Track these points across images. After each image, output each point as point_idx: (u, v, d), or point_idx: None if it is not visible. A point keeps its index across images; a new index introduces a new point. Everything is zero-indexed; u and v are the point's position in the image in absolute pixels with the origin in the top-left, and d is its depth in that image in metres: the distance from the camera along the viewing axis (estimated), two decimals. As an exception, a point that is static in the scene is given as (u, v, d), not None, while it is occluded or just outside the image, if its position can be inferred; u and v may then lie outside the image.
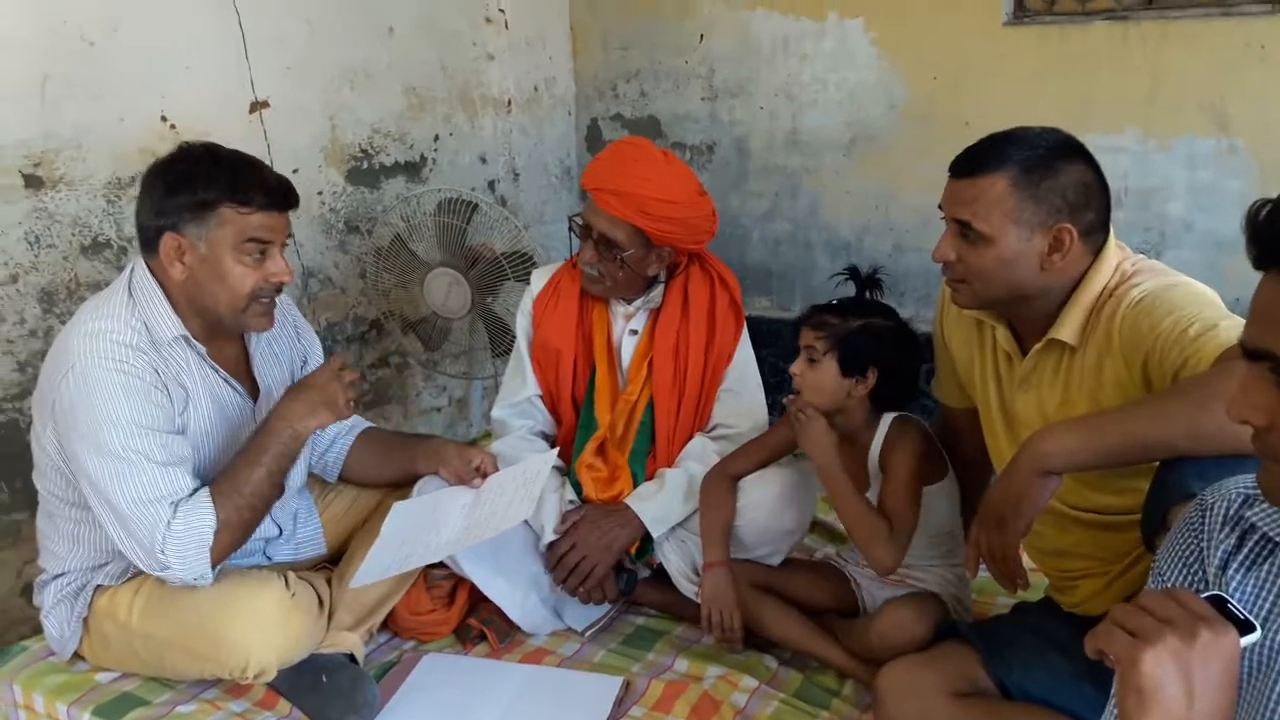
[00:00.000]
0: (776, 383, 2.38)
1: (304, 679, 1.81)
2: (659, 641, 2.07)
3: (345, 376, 1.83)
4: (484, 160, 3.27)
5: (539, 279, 2.27)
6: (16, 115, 2.14)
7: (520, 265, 2.64)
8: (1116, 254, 1.59)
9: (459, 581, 2.08)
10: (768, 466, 2.04)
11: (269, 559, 1.99)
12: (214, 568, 1.70)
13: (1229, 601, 0.91)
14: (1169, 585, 1.08)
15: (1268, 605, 0.99)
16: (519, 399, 2.23)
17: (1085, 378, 1.57)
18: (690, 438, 2.18)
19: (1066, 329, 1.56)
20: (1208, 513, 1.07)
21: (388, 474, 2.11)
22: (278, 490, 1.81)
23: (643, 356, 2.17)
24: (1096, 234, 1.56)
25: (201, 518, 1.67)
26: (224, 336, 1.86)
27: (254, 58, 2.55)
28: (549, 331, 2.20)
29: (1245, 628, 0.89)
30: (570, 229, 2.21)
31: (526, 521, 1.97)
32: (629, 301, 2.19)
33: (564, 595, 2.08)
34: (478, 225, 2.70)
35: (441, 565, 2.03)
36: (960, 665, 1.65)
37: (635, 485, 2.12)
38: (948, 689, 1.61)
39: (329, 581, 1.99)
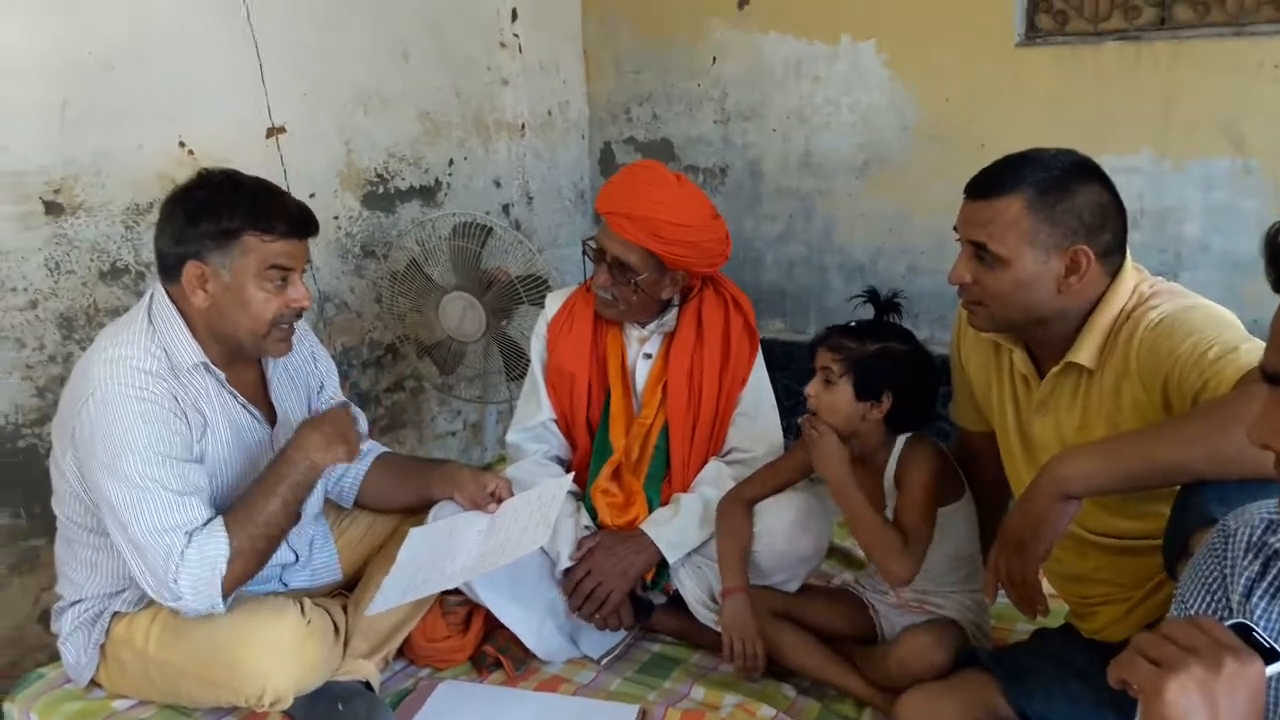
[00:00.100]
0: (791, 406, 2.37)
1: (320, 707, 1.80)
2: (675, 669, 2.05)
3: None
4: (498, 184, 3.29)
5: (553, 303, 2.27)
6: (37, 142, 2.17)
7: (535, 289, 2.65)
8: (1134, 276, 1.58)
9: (475, 608, 2.08)
10: (784, 491, 2.03)
11: (285, 585, 1.99)
12: (226, 597, 1.69)
13: (1254, 629, 0.90)
14: (1192, 612, 1.07)
15: (1293, 633, 0.98)
16: (534, 423, 2.23)
17: (1103, 401, 1.55)
18: (705, 462, 2.17)
19: (1084, 352, 1.56)
20: (1231, 539, 1.06)
21: (403, 499, 2.11)
22: (292, 520, 1.80)
23: (657, 380, 2.17)
24: (1113, 256, 1.55)
25: (215, 546, 1.67)
26: (242, 362, 1.88)
27: (271, 84, 2.58)
28: (563, 355, 2.20)
29: (1271, 656, 0.88)
30: (584, 253, 2.21)
31: (542, 548, 1.97)
32: (643, 325, 2.19)
33: (580, 622, 2.07)
34: (492, 249, 2.71)
35: (457, 592, 2.02)
36: (980, 693, 1.63)
37: (650, 510, 2.11)
38: (967, 717, 1.60)
39: (344, 608, 1.99)
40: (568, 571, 2.05)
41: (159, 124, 2.37)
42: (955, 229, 1.62)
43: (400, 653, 2.06)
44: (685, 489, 2.14)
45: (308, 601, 1.84)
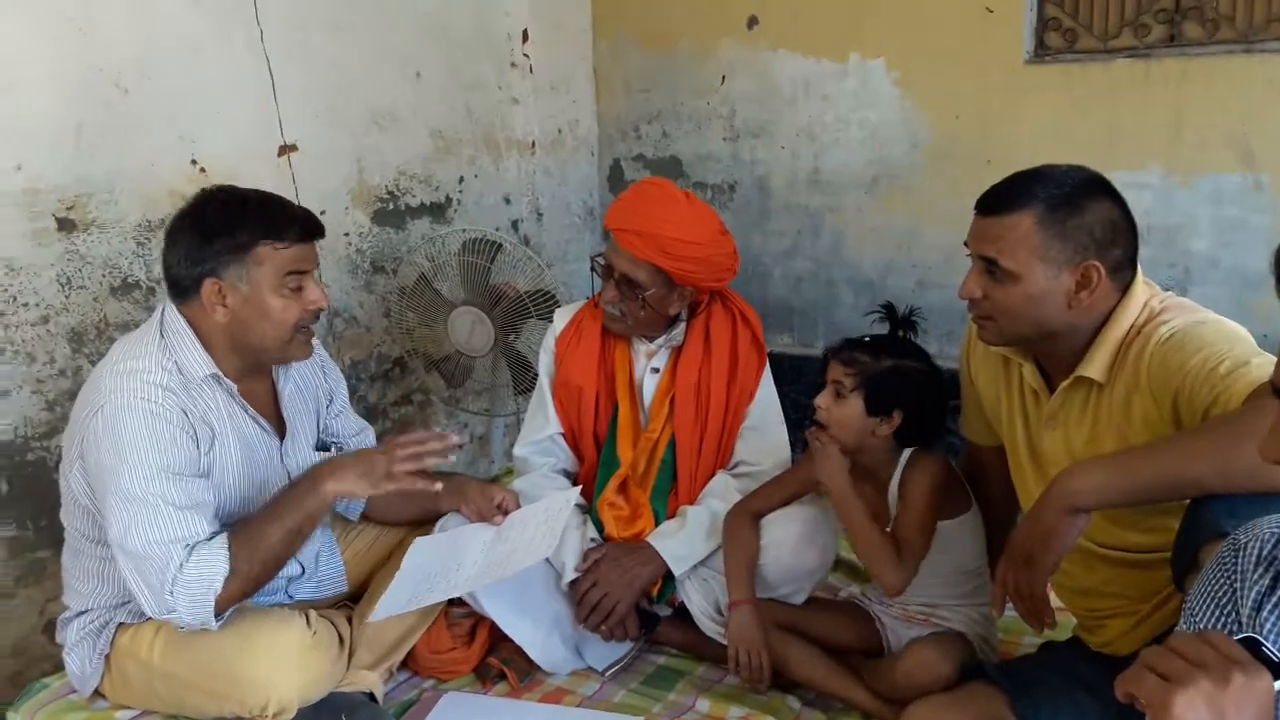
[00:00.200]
0: (799, 419, 2.36)
1: (324, 717, 1.80)
2: (680, 681, 2.05)
3: (400, 450, 1.77)
4: (508, 201, 3.31)
5: (561, 317, 2.28)
6: (51, 160, 2.19)
7: (543, 304, 2.66)
8: (1144, 291, 1.57)
9: (479, 620, 2.07)
10: (790, 504, 2.02)
11: (291, 597, 1.99)
12: (219, 616, 1.68)
13: (1263, 644, 0.89)
14: (1201, 626, 1.06)
15: (1303, 647, 0.97)
16: (541, 437, 2.23)
17: (1113, 415, 1.55)
18: (712, 475, 2.17)
19: (1094, 366, 1.55)
20: (1240, 552, 1.05)
21: (410, 512, 2.11)
22: (295, 551, 1.79)
23: (664, 394, 2.17)
24: (1124, 271, 1.55)
25: (215, 563, 1.67)
26: (255, 374, 1.89)
27: (283, 102, 2.60)
28: (571, 369, 2.20)
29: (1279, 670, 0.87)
30: (593, 269, 2.22)
31: (548, 560, 1.97)
32: (651, 339, 2.20)
33: (585, 633, 2.06)
34: (501, 265, 2.72)
35: (462, 603, 2.02)
36: (986, 706, 1.62)
37: (657, 523, 2.11)
38: (975, 731, 1.59)
39: (349, 619, 1.99)
40: (573, 584, 2.05)
41: (172, 142, 2.40)
42: (966, 244, 1.62)
43: (404, 664, 2.06)
44: (692, 502, 2.14)
45: (313, 613, 1.84)
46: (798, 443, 2.16)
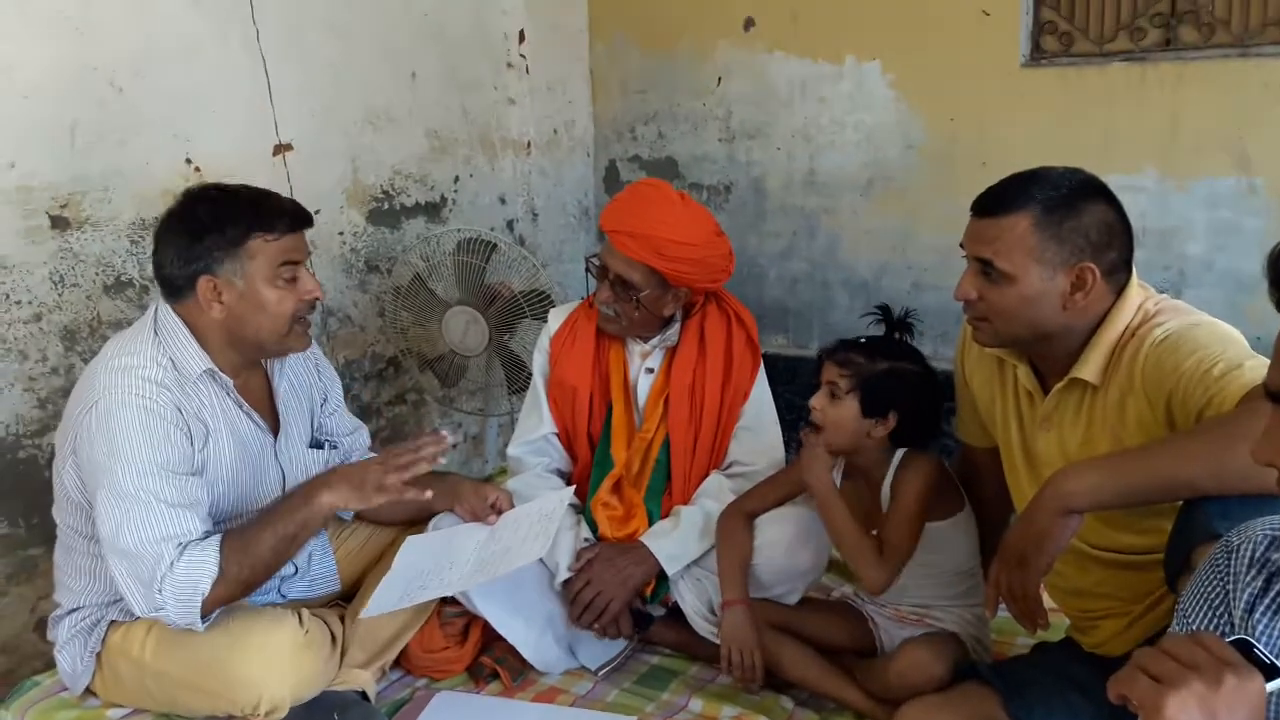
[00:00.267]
0: (793, 420, 2.36)
1: (316, 716, 1.80)
2: (673, 681, 2.05)
3: (393, 460, 1.75)
4: (503, 201, 3.30)
5: (556, 317, 2.28)
6: (46, 159, 2.18)
7: (538, 304, 2.66)
8: (1139, 293, 1.58)
9: (472, 619, 2.07)
10: (784, 505, 2.02)
11: (283, 596, 1.99)
12: (205, 617, 1.67)
13: (1255, 646, 0.90)
14: (1193, 628, 1.06)
15: (1295, 649, 0.97)
16: (535, 436, 2.23)
17: (1108, 417, 1.55)
18: (706, 475, 2.17)
19: (1089, 368, 1.56)
20: (1233, 554, 1.06)
21: (403, 512, 2.10)
22: (287, 560, 1.78)
23: (659, 395, 2.17)
24: (1119, 273, 1.56)
25: (204, 565, 1.66)
26: (251, 370, 1.89)
27: (278, 102, 2.60)
28: (566, 369, 2.20)
29: (1271, 672, 0.87)
30: (587, 269, 2.22)
31: (542, 560, 1.96)
32: (645, 340, 2.20)
33: (579, 632, 2.06)
34: (496, 264, 2.72)
35: (455, 603, 2.02)
36: (979, 706, 1.62)
37: (651, 523, 2.11)
38: (968, 731, 1.59)
39: (342, 618, 1.98)
40: (567, 583, 2.05)
41: (167, 141, 2.39)
42: (961, 246, 1.62)
43: (397, 663, 2.05)
44: (686, 502, 2.14)
45: (305, 611, 1.84)
46: (792, 443, 2.16)
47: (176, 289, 1.78)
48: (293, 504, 1.74)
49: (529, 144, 3.35)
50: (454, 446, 1.75)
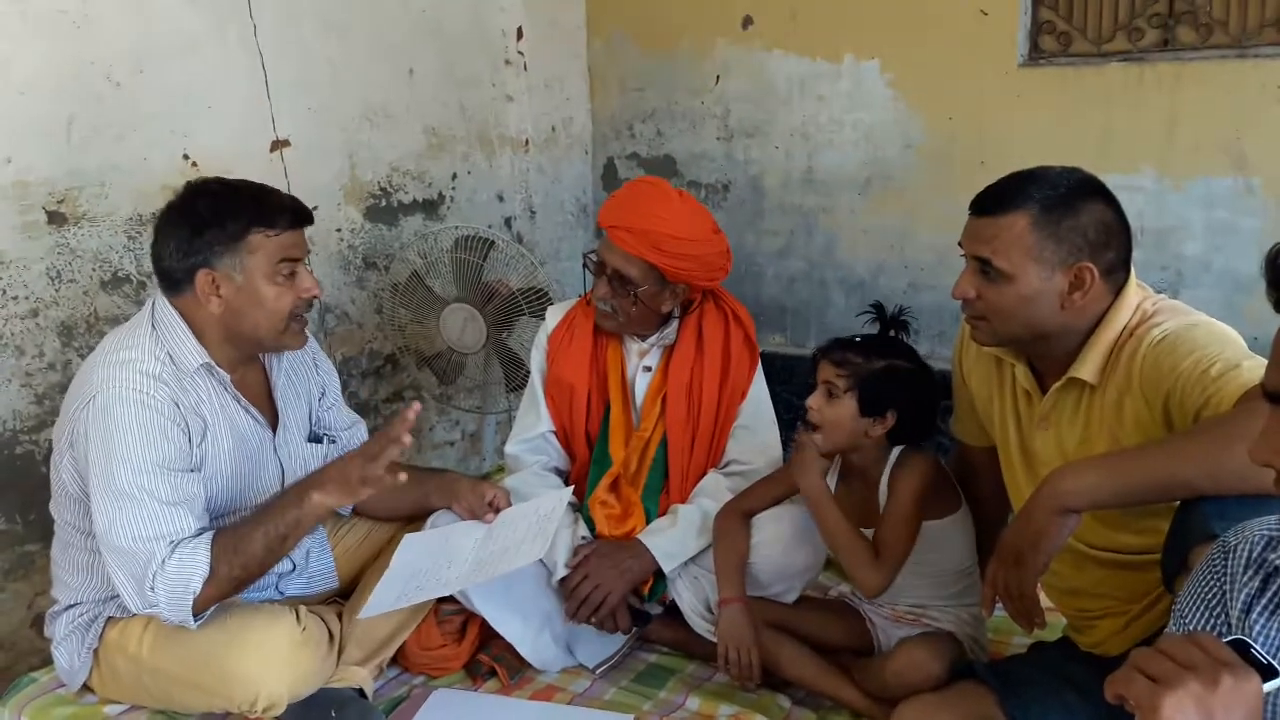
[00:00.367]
0: (791, 419, 2.37)
1: (313, 713, 1.80)
2: (671, 679, 2.05)
3: (371, 449, 1.71)
4: (501, 198, 3.30)
5: (554, 315, 2.27)
6: (43, 154, 2.18)
7: (535, 301, 2.66)
8: (1137, 293, 1.58)
9: (470, 617, 2.07)
10: (781, 503, 2.02)
11: (281, 593, 1.99)
12: (197, 616, 1.67)
13: (1252, 646, 0.90)
14: (1190, 628, 1.06)
15: (1292, 649, 0.97)
16: (533, 434, 2.23)
17: (1105, 416, 1.56)
18: (704, 474, 2.17)
19: (1087, 368, 1.56)
20: (1230, 555, 1.06)
21: (401, 508, 2.10)
22: (278, 559, 1.77)
23: (656, 393, 2.17)
24: (1117, 273, 1.56)
25: (195, 563, 1.65)
26: (248, 364, 1.89)
27: (276, 98, 2.60)
28: (563, 367, 2.20)
29: (1268, 673, 0.88)
30: (585, 265, 2.22)
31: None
32: (643, 338, 2.20)
33: (577, 630, 2.06)
34: (494, 262, 2.72)
35: (453, 600, 2.02)
36: (976, 705, 1.62)
37: (648, 522, 2.11)
38: (964, 730, 1.59)
39: (339, 615, 1.98)
40: (564, 580, 2.05)
41: (164, 137, 2.38)
42: (960, 245, 1.62)
43: (394, 660, 2.06)
44: (684, 501, 2.14)
45: (303, 609, 1.84)
46: (789, 442, 2.16)
47: (175, 282, 1.78)
48: (285, 504, 1.73)
49: (527, 141, 3.35)
50: (418, 414, 1.71)
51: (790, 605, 2.04)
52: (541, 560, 2.03)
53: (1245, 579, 1.03)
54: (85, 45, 2.22)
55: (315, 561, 2.05)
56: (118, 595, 1.81)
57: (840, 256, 3.16)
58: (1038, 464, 1.66)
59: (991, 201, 1.57)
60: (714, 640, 1.95)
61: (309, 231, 1.88)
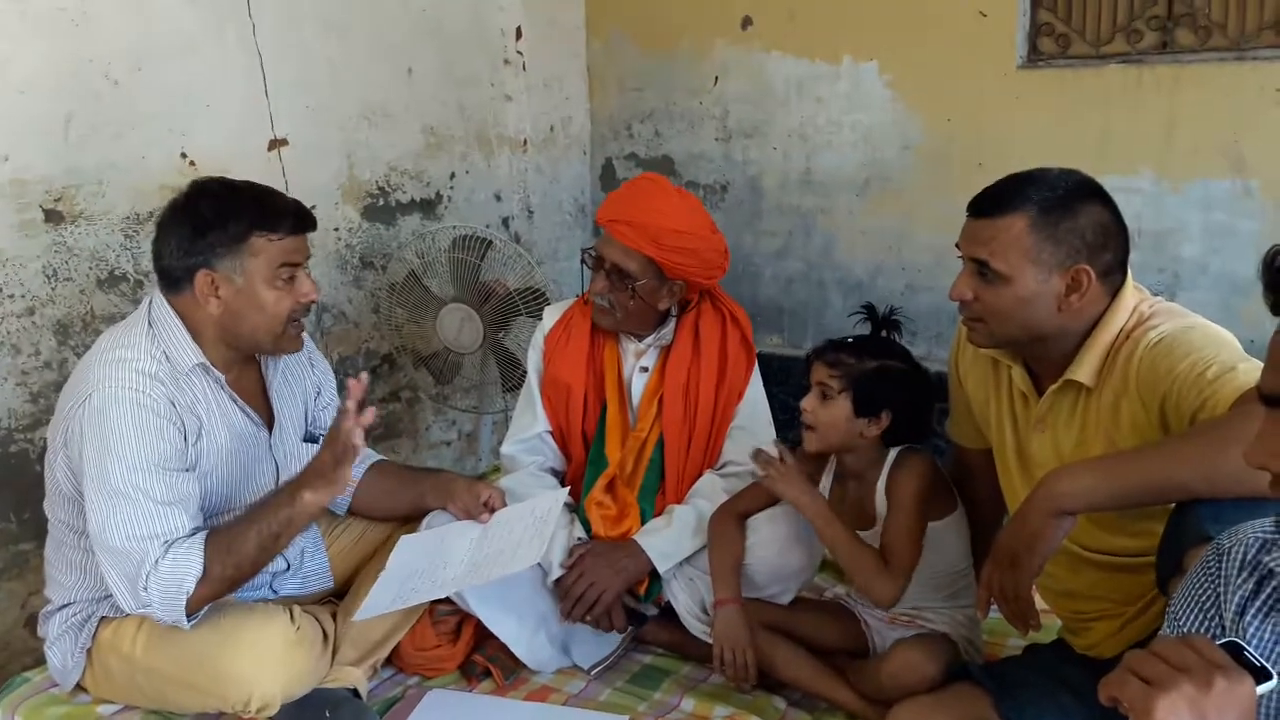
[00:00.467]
0: (788, 420, 2.36)
1: (307, 714, 1.79)
2: (666, 680, 2.04)
3: (334, 435, 1.69)
4: (499, 198, 3.30)
5: (551, 315, 2.27)
6: (40, 152, 2.18)
7: (533, 301, 2.65)
8: (1134, 296, 1.58)
9: (465, 618, 2.07)
10: (776, 505, 2.02)
11: (275, 593, 1.99)
12: (190, 616, 1.67)
13: (1245, 649, 0.90)
14: (1184, 630, 1.06)
15: (1286, 652, 0.97)
16: (529, 435, 2.23)
17: (1102, 419, 1.55)
18: (700, 475, 2.17)
19: (1083, 370, 1.56)
20: (1224, 557, 1.06)
21: (397, 508, 2.10)
22: (272, 558, 1.76)
23: (653, 394, 2.17)
24: (1114, 275, 1.56)
25: (189, 564, 1.65)
26: (244, 365, 1.89)
27: (274, 97, 2.59)
28: (560, 367, 2.20)
29: (1262, 675, 0.87)
30: (583, 261, 2.22)
31: (535, 560, 1.96)
32: (640, 338, 2.19)
33: (572, 630, 2.06)
34: (491, 262, 2.71)
35: (448, 601, 2.02)
36: (971, 707, 1.62)
37: (644, 523, 2.11)
38: (959, 732, 1.59)
39: (334, 615, 1.98)
40: (559, 580, 2.04)
41: (162, 136, 2.38)
42: (957, 246, 1.62)
43: (389, 661, 2.05)
44: (680, 502, 2.14)
45: (297, 608, 1.84)
46: (786, 443, 2.16)
47: (174, 281, 1.77)
48: (277, 502, 1.73)
49: (525, 141, 3.35)
50: (369, 387, 1.69)
51: (785, 607, 2.04)
52: (538, 562, 2.04)
53: (1239, 581, 1.03)
54: (84, 43, 2.21)
55: (310, 561, 2.05)
56: (111, 595, 1.81)
57: (838, 257, 3.16)
58: (1033, 466, 1.66)
59: (989, 203, 1.57)
60: (709, 641, 1.95)
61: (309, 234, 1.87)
